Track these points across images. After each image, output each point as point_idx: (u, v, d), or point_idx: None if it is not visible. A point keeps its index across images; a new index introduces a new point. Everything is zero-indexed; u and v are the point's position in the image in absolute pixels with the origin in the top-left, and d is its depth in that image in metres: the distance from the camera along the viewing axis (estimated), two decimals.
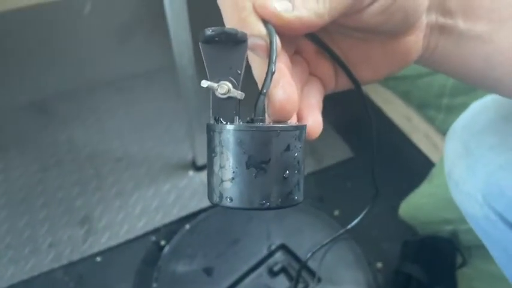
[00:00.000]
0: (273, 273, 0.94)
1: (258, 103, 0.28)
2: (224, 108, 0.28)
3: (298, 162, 0.28)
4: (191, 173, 1.15)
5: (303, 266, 0.90)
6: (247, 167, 0.27)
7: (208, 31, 0.27)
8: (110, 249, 0.98)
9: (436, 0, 0.32)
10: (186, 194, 1.09)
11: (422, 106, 1.03)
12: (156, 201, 1.07)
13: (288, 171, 0.27)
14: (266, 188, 0.27)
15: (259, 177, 0.27)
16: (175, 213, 1.05)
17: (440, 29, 0.33)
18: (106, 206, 1.06)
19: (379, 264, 0.96)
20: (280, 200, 0.28)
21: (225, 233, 1.00)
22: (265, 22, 0.28)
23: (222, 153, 0.27)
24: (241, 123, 0.28)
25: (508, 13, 0.32)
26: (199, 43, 0.28)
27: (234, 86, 0.27)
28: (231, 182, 0.28)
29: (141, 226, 1.02)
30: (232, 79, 0.27)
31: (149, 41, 1.52)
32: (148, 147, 1.21)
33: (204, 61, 0.28)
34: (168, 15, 0.84)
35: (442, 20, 0.33)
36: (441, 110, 0.96)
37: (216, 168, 0.28)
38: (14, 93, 1.33)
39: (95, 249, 0.98)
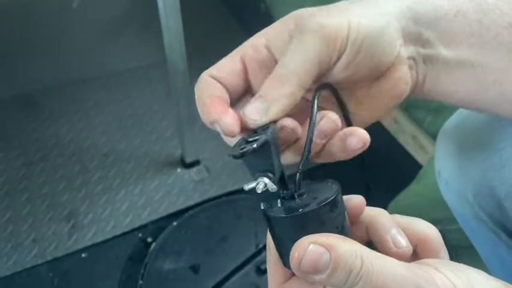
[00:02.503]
0: (260, 272, 0.93)
1: (297, 180, 0.31)
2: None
3: (342, 225, 0.30)
4: (179, 170, 1.14)
5: None
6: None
7: (236, 154, 0.30)
8: (96, 246, 0.97)
9: (412, 34, 0.32)
10: (174, 191, 1.08)
11: (411, 107, 1.04)
12: (143, 198, 1.06)
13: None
14: None
15: None
16: (163, 210, 1.04)
17: (424, 59, 0.33)
18: (92, 202, 1.05)
19: None
20: None
21: (213, 230, 1.00)
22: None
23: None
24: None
25: (492, 35, 0.32)
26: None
27: (271, 179, 0.30)
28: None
29: (128, 222, 1.01)
30: (269, 174, 0.30)
31: (140, 36, 1.50)
32: (136, 144, 1.20)
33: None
34: (161, 9, 0.84)
35: (423, 51, 0.33)
36: (430, 112, 0.97)
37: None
38: (0, 86, 1.31)
39: (80, 245, 0.96)
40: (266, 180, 0.30)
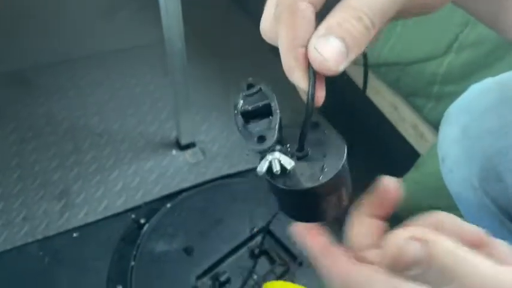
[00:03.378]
0: (254, 256, 0.92)
1: (300, 142, 0.29)
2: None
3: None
4: (174, 152, 1.12)
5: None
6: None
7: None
8: (88, 225, 0.95)
9: None
10: (168, 173, 1.07)
11: (411, 94, 1.03)
12: (137, 179, 1.05)
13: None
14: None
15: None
16: (157, 192, 1.02)
17: None
18: (85, 181, 1.03)
19: None
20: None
21: (207, 213, 0.98)
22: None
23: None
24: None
25: None
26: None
27: (282, 151, 0.28)
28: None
29: (121, 203, 0.99)
30: (277, 147, 0.28)
31: (138, 15, 1.47)
32: (131, 124, 1.17)
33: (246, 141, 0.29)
34: None
35: None
36: (431, 99, 0.95)
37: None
38: None
39: (72, 225, 0.95)
40: (278, 155, 0.27)
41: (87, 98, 1.23)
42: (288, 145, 0.29)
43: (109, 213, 0.98)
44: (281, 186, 0.28)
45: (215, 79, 1.29)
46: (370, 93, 1.23)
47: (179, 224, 0.97)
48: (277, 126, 0.27)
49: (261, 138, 0.27)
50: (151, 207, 0.99)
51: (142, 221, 0.97)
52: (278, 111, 0.28)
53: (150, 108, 1.21)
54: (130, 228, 0.96)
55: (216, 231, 0.96)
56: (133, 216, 0.98)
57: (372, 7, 0.25)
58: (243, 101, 0.28)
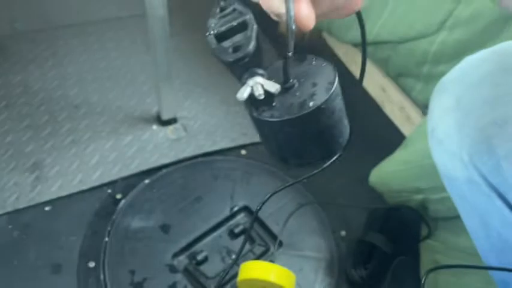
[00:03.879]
0: (233, 235, 0.90)
1: (285, 68, 0.27)
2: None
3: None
4: (155, 127, 1.08)
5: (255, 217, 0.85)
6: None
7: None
8: (61, 199, 0.91)
9: None
10: (147, 148, 1.03)
11: (401, 75, 1.00)
12: (115, 153, 1.01)
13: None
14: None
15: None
16: (135, 167, 0.98)
17: None
18: (59, 154, 0.98)
19: (343, 232, 0.93)
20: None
21: (187, 190, 0.95)
22: None
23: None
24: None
25: None
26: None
27: (265, 76, 0.26)
28: None
29: (97, 177, 0.95)
30: (258, 71, 0.25)
31: None
32: (110, 97, 1.13)
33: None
34: None
35: None
36: (420, 79, 0.93)
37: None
38: None
39: (44, 198, 0.90)
40: (261, 79, 0.25)
41: (66, 69, 1.17)
42: (274, 79, 0.26)
43: (84, 187, 0.94)
44: (268, 118, 0.25)
45: (200, 55, 1.25)
46: (358, 74, 1.20)
47: (157, 200, 0.93)
48: (253, 35, 0.24)
49: (237, 48, 0.24)
50: (129, 183, 0.96)
51: (118, 196, 0.93)
52: (254, 23, 0.25)
53: (131, 82, 1.17)
54: (105, 203, 0.92)
55: (195, 209, 0.93)
56: (109, 191, 0.94)
57: None
58: (216, 23, 0.25)
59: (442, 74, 0.65)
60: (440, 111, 0.47)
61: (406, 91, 1.03)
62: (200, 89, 1.16)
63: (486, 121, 0.40)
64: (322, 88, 0.26)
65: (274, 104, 0.26)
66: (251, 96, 0.25)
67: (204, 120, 1.11)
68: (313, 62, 0.28)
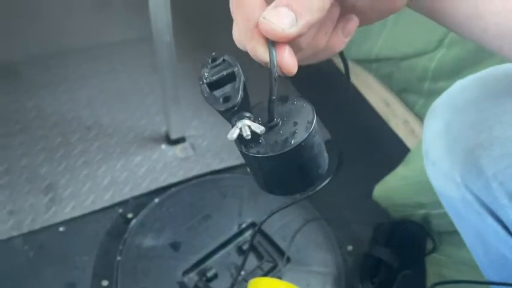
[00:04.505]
0: (241, 252, 0.92)
1: (269, 110, 0.30)
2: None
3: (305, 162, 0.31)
4: (164, 146, 1.11)
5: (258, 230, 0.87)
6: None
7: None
8: (74, 220, 0.94)
9: None
10: (157, 168, 1.06)
11: (403, 90, 1.02)
12: (126, 173, 1.04)
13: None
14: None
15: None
16: (145, 186, 1.01)
17: None
18: (72, 175, 1.02)
19: (350, 247, 0.95)
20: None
21: (195, 208, 0.98)
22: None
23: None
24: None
25: None
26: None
27: (250, 118, 0.29)
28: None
29: (108, 197, 0.98)
30: (245, 114, 0.29)
31: (129, 9, 1.46)
32: (120, 119, 1.16)
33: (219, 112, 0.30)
34: None
35: None
36: (422, 95, 0.95)
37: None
38: None
39: (58, 219, 0.94)
40: (248, 122, 0.28)
41: (77, 92, 1.21)
42: (260, 119, 0.29)
43: (96, 207, 0.97)
44: (255, 154, 0.29)
45: None
46: (363, 89, 1.23)
47: (167, 219, 0.96)
48: (241, 86, 0.28)
49: (226, 99, 0.28)
50: (139, 202, 0.99)
51: (129, 215, 0.96)
52: (241, 74, 0.29)
53: (140, 103, 1.20)
54: (117, 223, 0.95)
55: (203, 226, 0.95)
56: (120, 210, 0.97)
57: None
58: (208, 73, 0.28)
59: (443, 90, 0.67)
60: (431, 135, 0.49)
61: (409, 106, 1.05)
62: (207, 109, 1.18)
63: (474, 144, 0.42)
64: (302, 127, 0.30)
65: (260, 141, 0.29)
66: (240, 136, 0.28)
67: (212, 139, 1.13)
68: (295, 103, 0.31)
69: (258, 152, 0.29)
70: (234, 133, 0.28)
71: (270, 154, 0.29)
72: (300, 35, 0.27)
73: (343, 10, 0.32)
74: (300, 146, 0.29)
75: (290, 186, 0.32)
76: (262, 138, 0.30)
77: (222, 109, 0.27)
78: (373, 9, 0.32)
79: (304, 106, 0.31)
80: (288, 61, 0.28)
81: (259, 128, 0.28)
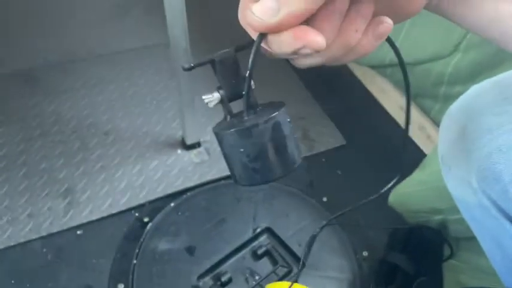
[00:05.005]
0: (256, 256, 0.92)
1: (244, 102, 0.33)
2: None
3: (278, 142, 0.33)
4: (180, 151, 1.12)
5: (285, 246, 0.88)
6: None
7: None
8: (91, 223, 0.96)
9: None
10: (173, 172, 1.07)
11: (418, 95, 1.01)
12: (142, 178, 1.05)
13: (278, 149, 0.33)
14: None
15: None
16: (161, 191, 1.02)
17: None
18: (90, 180, 1.03)
19: (365, 253, 0.94)
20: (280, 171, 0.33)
21: (210, 212, 0.98)
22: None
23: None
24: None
25: None
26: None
27: (222, 95, 0.35)
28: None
29: (125, 201, 1.00)
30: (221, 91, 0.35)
31: (146, 16, 1.48)
32: (137, 124, 1.18)
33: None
34: None
35: None
36: (438, 100, 0.94)
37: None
38: (3, 61, 1.30)
39: (76, 222, 0.95)
40: (216, 94, 0.34)
41: (95, 98, 1.24)
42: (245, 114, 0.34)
43: (113, 211, 0.98)
44: (221, 131, 0.33)
45: None
46: (378, 93, 1.22)
47: (182, 223, 0.96)
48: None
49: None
50: (155, 206, 1.00)
51: (145, 219, 0.97)
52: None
53: (157, 108, 1.22)
54: (133, 227, 0.96)
55: (218, 231, 0.95)
56: (136, 214, 0.98)
57: None
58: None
59: (459, 94, 0.67)
60: (447, 140, 0.49)
61: (425, 111, 1.04)
62: (222, 114, 1.20)
63: (491, 149, 0.42)
64: (272, 113, 0.32)
65: (234, 125, 0.32)
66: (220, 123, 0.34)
67: None
68: (276, 105, 0.34)
69: (229, 128, 0.32)
70: (205, 96, 0.34)
71: (236, 129, 0.31)
72: (280, 25, 0.27)
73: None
74: (265, 124, 0.31)
75: (262, 170, 0.33)
76: (236, 123, 0.33)
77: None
78: (390, 9, 0.32)
79: (280, 104, 0.34)
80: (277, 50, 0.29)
81: (220, 100, 0.34)
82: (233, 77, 0.34)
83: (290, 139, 0.33)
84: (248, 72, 0.31)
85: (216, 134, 0.33)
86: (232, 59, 0.34)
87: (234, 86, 0.35)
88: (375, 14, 0.32)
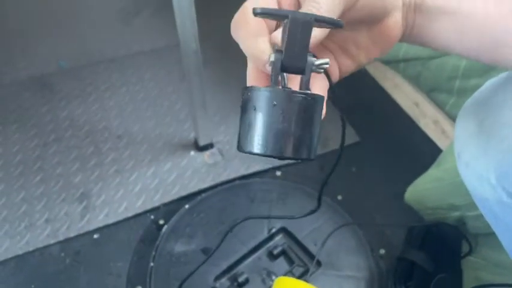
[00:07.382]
0: (272, 256, 0.92)
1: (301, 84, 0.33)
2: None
3: (312, 123, 0.32)
4: (193, 153, 1.12)
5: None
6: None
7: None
8: (108, 227, 0.96)
9: None
10: (187, 174, 1.07)
11: (433, 90, 1.00)
12: (156, 180, 1.05)
13: (302, 129, 0.32)
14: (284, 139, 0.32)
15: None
16: (175, 193, 1.03)
17: (414, 8, 0.38)
18: (105, 183, 1.04)
19: (382, 251, 0.93)
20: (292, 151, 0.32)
21: (225, 213, 0.98)
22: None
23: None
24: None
25: None
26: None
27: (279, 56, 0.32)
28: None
29: (140, 204, 1.00)
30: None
31: (155, 19, 1.49)
32: (149, 126, 1.18)
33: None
34: None
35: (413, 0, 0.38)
36: (453, 94, 0.93)
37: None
38: (16, 68, 1.31)
39: (93, 226, 0.96)
40: (272, 55, 0.31)
41: (108, 102, 1.24)
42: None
43: (128, 214, 0.99)
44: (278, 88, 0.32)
45: (233, 80, 1.29)
46: (391, 89, 1.21)
47: (197, 224, 0.97)
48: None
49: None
50: (170, 208, 1.00)
51: (161, 222, 0.97)
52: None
53: (168, 110, 1.22)
54: (149, 229, 0.97)
55: (234, 232, 0.95)
56: (152, 217, 0.99)
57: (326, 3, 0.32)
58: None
59: (475, 87, 0.66)
60: (464, 136, 0.48)
61: (439, 105, 1.03)
62: (234, 114, 1.20)
63: (509, 144, 0.41)
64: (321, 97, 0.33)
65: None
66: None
67: None
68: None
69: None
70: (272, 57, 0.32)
71: (294, 91, 0.31)
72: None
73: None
74: (318, 102, 0.32)
75: (281, 140, 0.32)
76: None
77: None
78: (370, 43, 0.38)
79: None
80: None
81: (277, 59, 0.31)
82: (298, 47, 0.31)
83: (318, 127, 0.33)
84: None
85: (255, 89, 0.32)
86: (307, 25, 0.30)
87: (293, 57, 0.31)
88: (359, 50, 0.39)
